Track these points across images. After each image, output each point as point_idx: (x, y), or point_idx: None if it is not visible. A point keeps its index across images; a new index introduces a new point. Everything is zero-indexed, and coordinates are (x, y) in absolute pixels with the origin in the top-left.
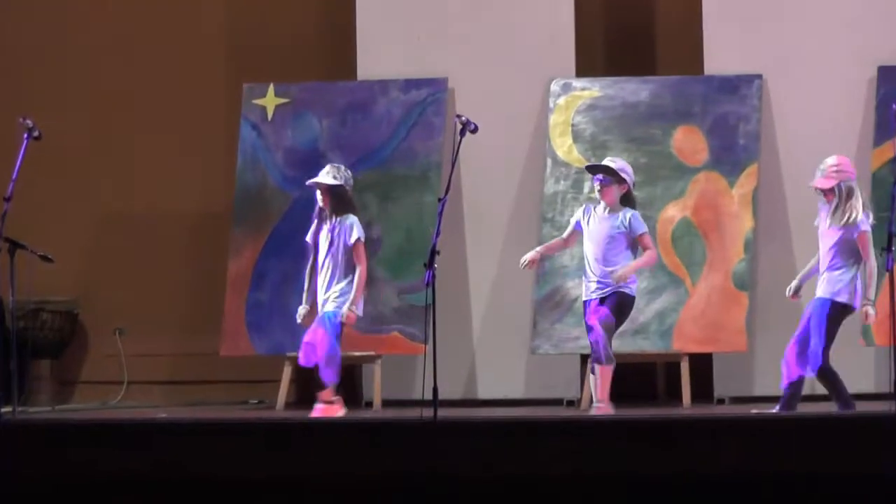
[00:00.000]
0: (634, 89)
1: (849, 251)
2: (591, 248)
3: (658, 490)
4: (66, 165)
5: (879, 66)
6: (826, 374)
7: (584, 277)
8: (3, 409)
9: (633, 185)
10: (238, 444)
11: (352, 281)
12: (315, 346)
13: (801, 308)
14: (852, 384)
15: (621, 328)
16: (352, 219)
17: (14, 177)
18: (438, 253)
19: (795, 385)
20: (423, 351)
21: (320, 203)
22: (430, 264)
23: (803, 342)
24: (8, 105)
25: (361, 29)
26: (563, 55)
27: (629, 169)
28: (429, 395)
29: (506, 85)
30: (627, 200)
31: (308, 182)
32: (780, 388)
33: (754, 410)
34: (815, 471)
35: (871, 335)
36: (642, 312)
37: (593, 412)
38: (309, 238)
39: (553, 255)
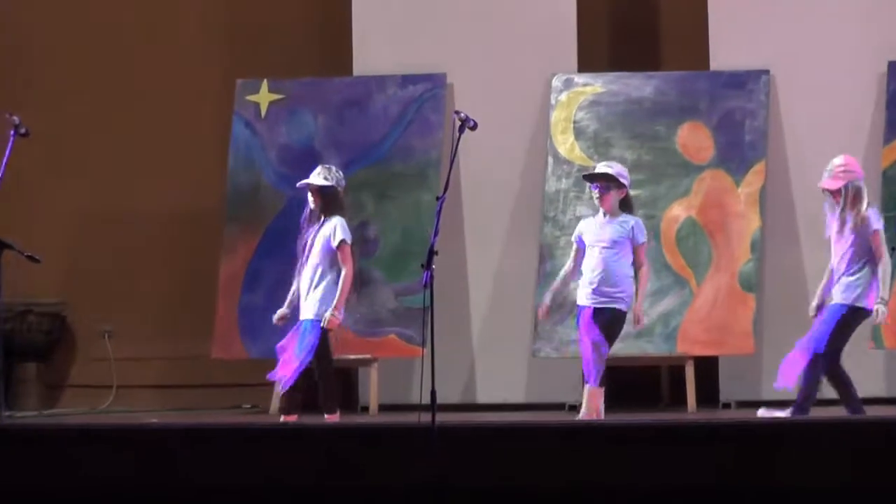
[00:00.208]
0: (638, 85)
1: (863, 253)
2: (592, 254)
3: (663, 498)
4: (54, 163)
5: (890, 60)
6: (837, 376)
7: (580, 281)
8: None
9: (630, 187)
10: (230, 450)
11: (335, 284)
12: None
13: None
14: (862, 388)
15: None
16: (336, 220)
17: (0, 174)
18: (437, 253)
19: (809, 388)
20: (421, 354)
21: (311, 205)
22: (428, 265)
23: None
24: None
25: (357, 23)
26: (565, 49)
27: (626, 172)
28: (427, 400)
29: (506, 80)
30: (625, 205)
31: (298, 183)
32: (775, 388)
33: (761, 411)
34: (825, 478)
35: (882, 338)
36: (646, 314)
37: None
38: (300, 244)
39: (568, 286)
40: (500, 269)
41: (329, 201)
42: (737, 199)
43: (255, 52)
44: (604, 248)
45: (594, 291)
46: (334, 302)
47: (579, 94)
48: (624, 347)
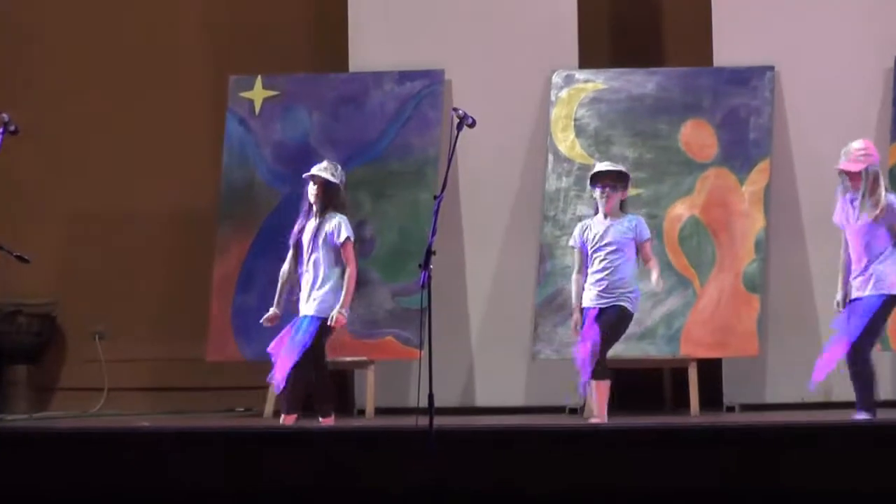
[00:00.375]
0: (640, 81)
1: (887, 238)
2: (596, 257)
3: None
4: (44, 161)
5: None
6: (864, 371)
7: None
8: None
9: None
10: (224, 454)
11: (338, 283)
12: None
13: (815, 310)
14: None
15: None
16: (340, 217)
17: None
18: (434, 253)
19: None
20: (419, 356)
21: (311, 198)
22: (425, 265)
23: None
24: None
25: (353, 17)
26: (566, 45)
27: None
28: (424, 403)
29: (505, 77)
30: (623, 205)
31: (306, 174)
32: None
33: (858, 416)
34: (832, 483)
35: (889, 340)
36: (648, 316)
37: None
38: (291, 237)
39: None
40: (499, 270)
41: (331, 198)
42: (741, 198)
43: (249, 47)
44: (609, 250)
45: (601, 293)
46: (341, 300)
47: (580, 90)
48: (626, 349)
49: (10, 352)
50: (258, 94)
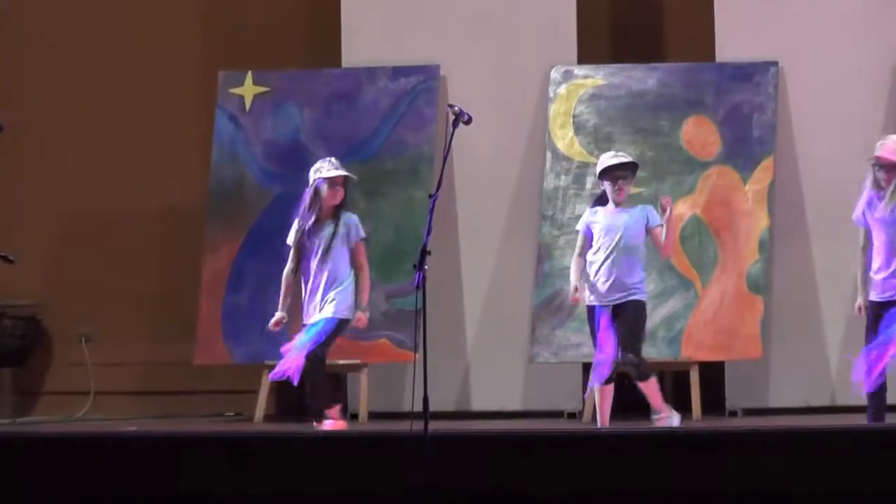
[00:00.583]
0: (641, 77)
1: None
2: (604, 246)
3: None
4: (29, 160)
5: None
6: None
7: (588, 280)
8: None
9: None
10: (213, 459)
11: (353, 283)
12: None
13: (820, 312)
14: None
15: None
16: (351, 216)
17: None
18: (429, 253)
19: (879, 394)
20: (413, 359)
21: (333, 200)
22: (420, 265)
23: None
24: None
25: (346, 11)
26: (564, 40)
27: None
28: (419, 407)
29: (502, 72)
30: None
31: (336, 173)
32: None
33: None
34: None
35: None
36: (649, 317)
37: (657, 423)
38: (293, 239)
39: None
40: (496, 270)
41: (347, 197)
42: (744, 197)
43: (239, 42)
44: (619, 238)
45: (611, 287)
46: (363, 300)
47: (579, 86)
48: None
49: None
50: (248, 90)
